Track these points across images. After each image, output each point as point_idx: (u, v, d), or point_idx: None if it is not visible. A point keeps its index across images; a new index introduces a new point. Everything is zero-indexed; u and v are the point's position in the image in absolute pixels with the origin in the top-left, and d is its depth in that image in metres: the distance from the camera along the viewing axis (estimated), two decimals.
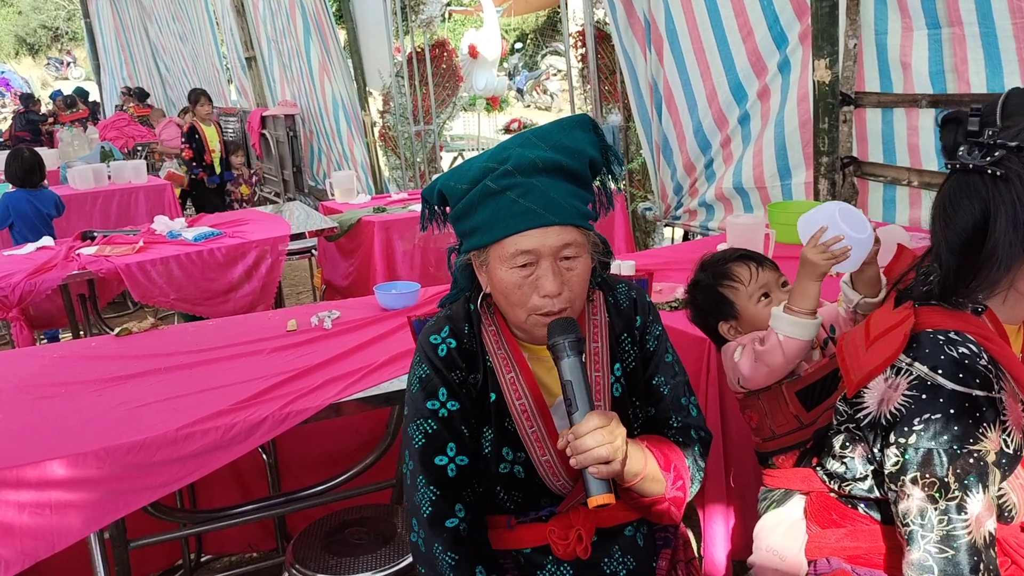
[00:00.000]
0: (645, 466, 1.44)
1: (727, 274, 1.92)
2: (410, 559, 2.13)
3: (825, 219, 1.75)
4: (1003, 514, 1.36)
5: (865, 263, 1.76)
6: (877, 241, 1.76)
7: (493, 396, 1.54)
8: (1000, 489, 1.33)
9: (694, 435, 1.61)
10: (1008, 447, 1.29)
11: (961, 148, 1.30)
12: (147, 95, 13.79)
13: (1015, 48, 3.26)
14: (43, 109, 15.06)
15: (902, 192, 3.85)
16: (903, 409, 1.30)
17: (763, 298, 1.88)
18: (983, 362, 1.27)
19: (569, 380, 1.36)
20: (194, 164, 8.10)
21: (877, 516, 1.51)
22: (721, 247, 3.43)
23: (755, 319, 1.87)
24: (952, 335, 1.29)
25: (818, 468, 1.60)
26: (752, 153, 4.65)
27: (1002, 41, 3.28)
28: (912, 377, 1.29)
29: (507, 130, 15.39)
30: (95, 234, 4.55)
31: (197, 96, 8.00)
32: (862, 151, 4.01)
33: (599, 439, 1.30)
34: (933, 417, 1.26)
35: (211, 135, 8.19)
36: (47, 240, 4.56)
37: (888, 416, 1.33)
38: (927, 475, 1.25)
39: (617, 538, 1.59)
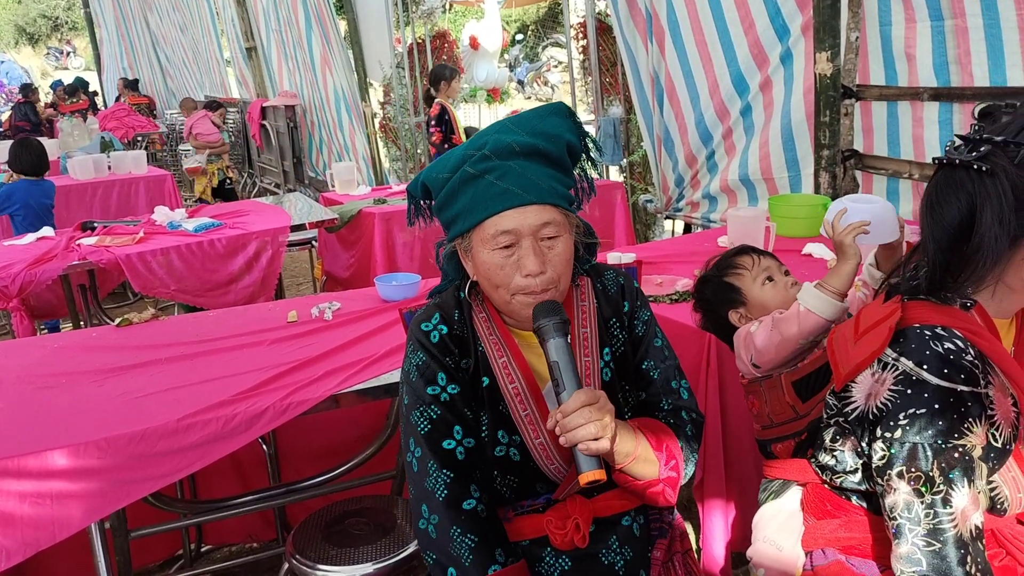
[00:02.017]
0: (637, 447, 1.45)
1: (731, 264, 1.99)
2: (411, 549, 2.14)
3: (839, 207, 1.85)
4: (995, 507, 1.36)
5: (892, 246, 1.83)
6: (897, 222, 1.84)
7: (486, 380, 1.56)
8: (992, 482, 1.33)
9: (685, 416, 1.62)
10: (996, 441, 1.30)
11: (947, 144, 1.30)
12: (137, 83, 13.78)
13: (1018, 40, 3.25)
14: (42, 98, 15.02)
15: (905, 184, 3.85)
16: (889, 404, 1.30)
17: (767, 281, 1.94)
18: (969, 357, 1.27)
19: (556, 361, 1.37)
20: (445, 147, 6.96)
21: (869, 507, 1.51)
22: (722, 240, 3.45)
23: (762, 301, 1.92)
24: (939, 330, 1.29)
25: (811, 460, 1.61)
26: (758, 144, 4.66)
27: (1005, 33, 3.28)
28: (898, 372, 1.30)
29: None
30: (95, 224, 4.55)
31: (452, 73, 6.72)
32: (868, 143, 4.01)
33: (587, 416, 1.31)
34: (918, 412, 1.26)
35: (458, 117, 7.14)
36: (47, 230, 4.56)
37: (875, 410, 1.34)
38: (912, 469, 1.26)
39: (615, 528, 1.60)
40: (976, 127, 1.28)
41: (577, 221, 1.54)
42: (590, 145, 1.58)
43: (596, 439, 1.31)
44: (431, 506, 1.48)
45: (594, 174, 1.63)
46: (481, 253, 1.47)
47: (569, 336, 1.41)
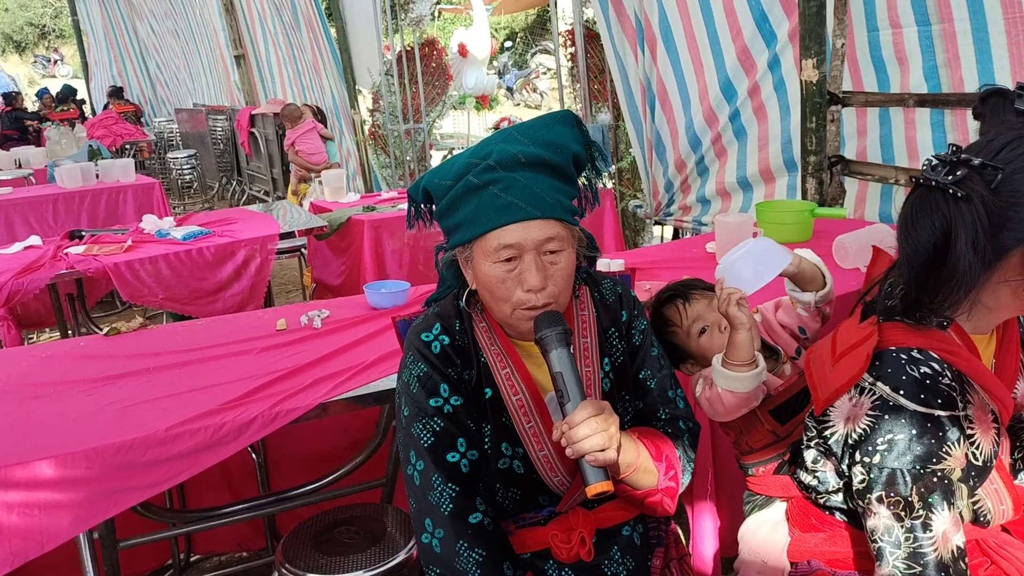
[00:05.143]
0: (638, 457, 1.45)
1: (662, 320, 1.92)
2: (401, 557, 2.13)
3: (722, 271, 1.75)
4: (979, 519, 1.37)
5: (789, 273, 1.76)
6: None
7: (488, 392, 1.54)
8: (975, 495, 1.34)
9: (682, 426, 1.62)
10: (977, 459, 1.30)
11: (924, 163, 1.29)
12: (121, 90, 13.73)
13: (1005, 43, 3.28)
14: (28, 106, 14.92)
15: (899, 189, 3.87)
16: (867, 429, 1.30)
17: (701, 333, 1.86)
18: (946, 380, 1.26)
19: (559, 371, 1.36)
20: None
21: (853, 523, 1.51)
22: (709, 246, 3.46)
23: (704, 353, 1.85)
24: (915, 353, 1.28)
25: (794, 477, 1.61)
26: (757, 147, 4.68)
27: (993, 36, 3.31)
28: (875, 397, 1.29)
29: (496, 128, 15.40)
30: (83, 233, 4.52)
31: None
32: (860, 144, 4.03)
33: (593, 427, 1.30)
34: (896, 437, 1.26)
35: None
36: (35, 239, 4.54)
37: (854, 435, 1.33)
38: (892, 494, 1.26)
39: (615, 538, 1.60)
40: (953, 148, 1.26)
41: (580, 233, 1.52)
42: (595, 155, 1.55)
43: (603, 450, 1.30)
44: (435, 520, 1.45)
45: (600, 184, 1.61)
46: (482, 265, 1.45)
47: (572, 346, 1.41)
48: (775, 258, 1.72)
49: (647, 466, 1.48)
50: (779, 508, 1.67)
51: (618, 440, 1.34)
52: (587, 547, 1.54)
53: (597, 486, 1.30)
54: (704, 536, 2.51)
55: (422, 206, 1.59)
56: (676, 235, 5.74)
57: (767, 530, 1.66)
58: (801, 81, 3.84)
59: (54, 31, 28.73)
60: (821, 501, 1.52)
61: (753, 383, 1.67)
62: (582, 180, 1.56)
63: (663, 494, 1.52)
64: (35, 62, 28.13)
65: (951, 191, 1.22)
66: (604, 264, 3.07)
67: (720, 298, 1.67)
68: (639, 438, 1.50)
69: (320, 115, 8.25)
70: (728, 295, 1.66)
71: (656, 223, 5.97)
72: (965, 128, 3.53)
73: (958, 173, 1.22)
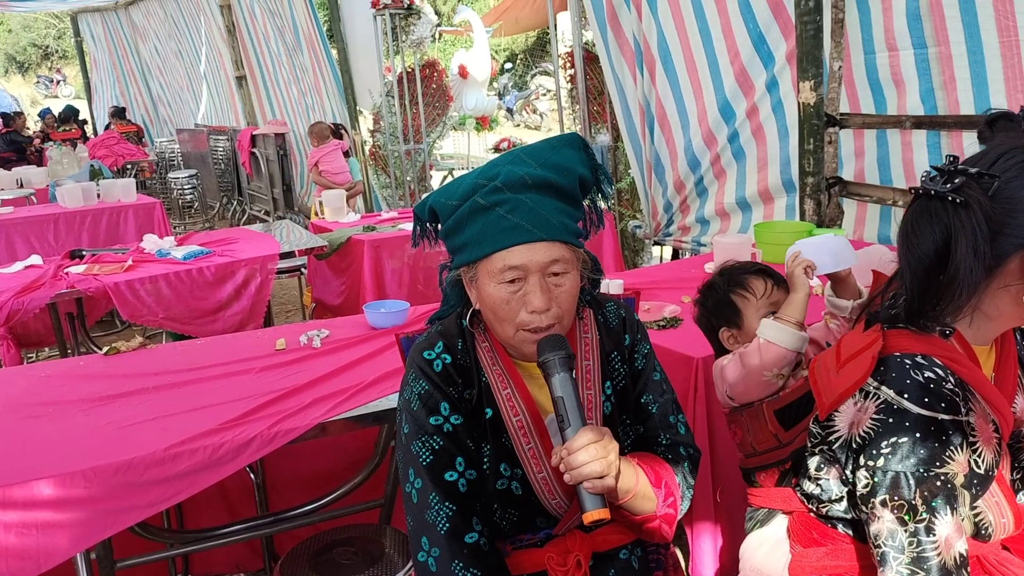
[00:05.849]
0: (636, 483, 1.45)
1: (742, 283, 1.96)
2: None
3: (795, 249, 1.93)
4: (980, 532, 1.37)
5: (839, 277, 1.90)
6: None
7: (489, 412, 1.54)
8: (976, 507, 1.34)
9: (683, 452, 1.61)
10: (979, 467, 1.31)
11: (923, 174, 1.31)
12: (124, 111, 13.77)
13: (1001, 66, 3.31)
14: (29, 123, 14.91)
15: (898, 210, 3.89)
16: (871, 432, 1.31)
17: (770, 315, 1.89)
18: (949, 386, 1.28)
19: (560, 396, 1.36)
20: None
21: (855, 535, 1.52)
22: (708, 266, 3.46)
23: (753, 334, 1.89)
24: (919, 359, 1.30)
25: (796, 488, 1.61)
26: (756, 167, 4.70)
27: (988, 60, 3.34)
28: (879, 401, 1.31)
29: (497, 149, 15.44)
30: (84, 252, 4.54)
31: None
32: (858, 166, 4.05)
33: (592, 454, 1.30)
34: (900, 441, 1.27)
35: None
36: (35, 258, 4.55)
37: (858, 439, 1.34)
38: (896, 498, 1.27)
39: (613, 562, 1.59)
40: (950, 159, 1.29)
41: (584, 256, 1.53)
42: (601, 178, 1.56)
43: (601, 477, 1.30)
44: (432, 539, 1.45)
45: (604, 205, 1.62)
46: (487, 285, 1.45)
47: (574, 371, 1.41)
48: (846, 255, 1.88)
49: (646, 492, 1.47)
50: (780, 525, 1.66)
51: (617, 467, 1.34)
52: (583, 570, 1.53)
53: (594, 514, 1.30)
54: (704, 558, 2.50)
55: (428, 225, 1.60)
56: (675, 255, 5.75)
57: (768, 548, 1.66)
58: (799, 103, 3.87)
59: (57, 52, 28.91)
60: (823, 511, 1.52)
61: (796, 342, 1.77)
62: (586, 202, 1.56)
63: (661, 520, 1.51)
64: (38, 82, 28.28)
65: (950, 198, 1.24)
66: (603, 285, 3.07)
67: (792, 260, 1.86)
68: (639, 464, 1.50)
69: (339, 133, 8.04)
70: (801, 260, 1.85)
71: (655, 243, 5.99)
72: (961, 150, 3.55)
73: (956, 181, 1.25)
